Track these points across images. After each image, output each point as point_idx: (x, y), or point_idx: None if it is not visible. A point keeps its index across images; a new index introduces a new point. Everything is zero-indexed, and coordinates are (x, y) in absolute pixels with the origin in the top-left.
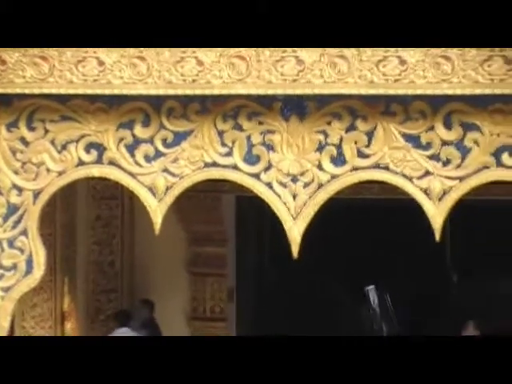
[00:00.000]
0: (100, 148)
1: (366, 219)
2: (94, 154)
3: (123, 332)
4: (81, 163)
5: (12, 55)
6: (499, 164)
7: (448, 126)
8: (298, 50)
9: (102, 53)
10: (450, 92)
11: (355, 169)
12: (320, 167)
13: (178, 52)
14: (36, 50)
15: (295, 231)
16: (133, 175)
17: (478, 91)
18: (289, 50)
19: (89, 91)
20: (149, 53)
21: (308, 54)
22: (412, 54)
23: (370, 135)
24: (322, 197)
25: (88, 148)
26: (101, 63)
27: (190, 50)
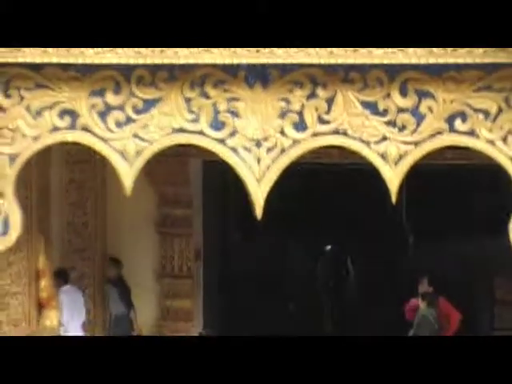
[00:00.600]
0: (73, 114)
1: (326, 183)
2: (68, 120)
3: (67, 289)
4: (55, 129)
5: None
6: (452, 130)
7: (404, 93)
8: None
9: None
10: (405, 61)
11: (316, 134)
12: (282, 133)
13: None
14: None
15: (259, 194)
16: (105, 140)
17: (431, 60)
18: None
19: (62, 60)
20: None
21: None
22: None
23: (329, 102)
24: (285, 161)
25: (62, 114)
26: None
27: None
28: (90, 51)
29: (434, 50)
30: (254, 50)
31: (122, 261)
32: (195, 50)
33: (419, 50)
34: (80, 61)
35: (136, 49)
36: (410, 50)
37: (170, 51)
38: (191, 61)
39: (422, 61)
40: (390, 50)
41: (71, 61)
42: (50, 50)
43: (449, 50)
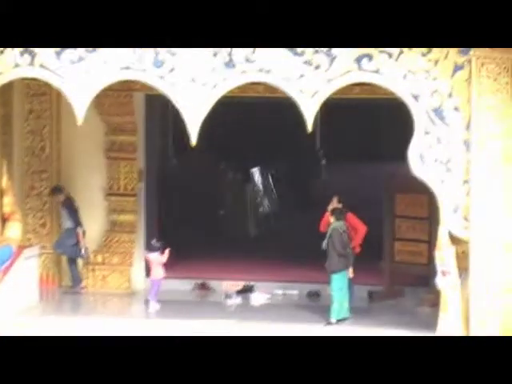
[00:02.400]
0: (32, 53)
1: (252, 113)
2: (27, 58)
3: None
4: (16, 65)
5: None
6: (360, 68)
7: None
8: None
9: None
10: None
11: (243, 72)
12: (214, 70)
13: None
14: None
15: (194, 123)
16: (60, 76)
17: None
18: None
19: None
20: None
21: None
22: None
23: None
24: (216, 95)
25: (22, 53)
26: None
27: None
28: None
29: None
30: None
31: (75, 181)
32: None
33: None
34: None
35: None
36: None
37: None
38: None
39: None
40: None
41: None
42: None
43: None
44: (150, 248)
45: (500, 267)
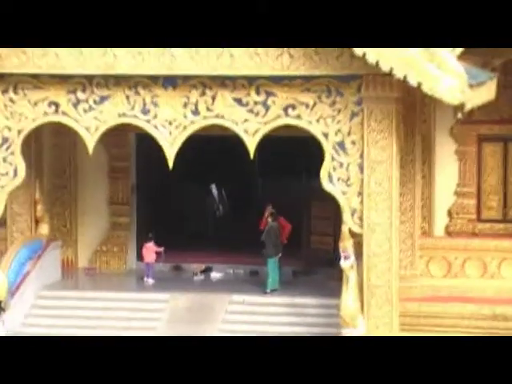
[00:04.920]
0: (57, 105)
1: (212, 146)
2: (53, 108)
3: None
4: (45, 114)
5: (3, 50)
6: (287, 115)
7: (258, 93)
8: (174, 49)
9: (58, 48)
10: (259, 73)
11: (205, 118)
12: (185, 117)
13: (100, 50)
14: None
15: (170, 154)
16: (77, 121)
17: (275, 73)
18: (168, 49)
19: (50, 71)
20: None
21: (177, 52)
22: (237, 50)
23: (213, 98)
24: (186, 134)
25: (50, 104)
26: (56, 55)
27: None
28: (67, 64)
29: (276, 66)
30: (167, 66)
31: (86, 194)
32: (133, 63)
33: (266, 67)
34: (61, 71)
35: (96, 64)
36: (263, 66)
37: (117, 66)
38: (129, 72)
39: (269, 73)
40: (250, 66)
41: (54, 72)
42: (43, 65)
43: (285, 67)
44: (146, 239)
45: (384, 253)
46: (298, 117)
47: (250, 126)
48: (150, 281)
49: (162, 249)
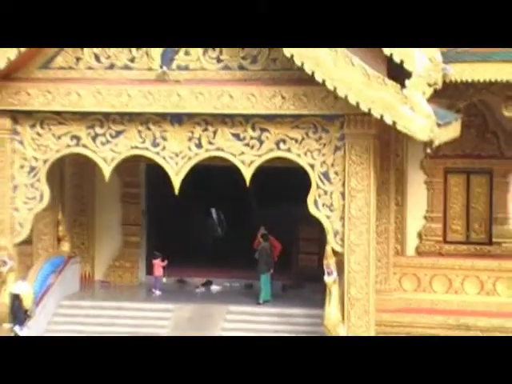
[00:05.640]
0: (78, 138)
1: (213, 174)
2: (74, 141)
3: None
4: (68, 146)
5: (31, 90)
6: (278, 148)
7: (253, 129)
8: (180, 88)
9: (79, 88)
10: (254, 112)
11: (207, 150)
12: (189, 149)
13: (116, 91)
14: (44, 87)
15: (176, 181)
16: (95, 153)
17: (268, 112)
18: (175, 89)
19: (73, 109)
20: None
21: (183, 93)
22: (236, 91)
23: (214, 133)
24: (190, 164)
25: (72, 138)
26: (78, 95)
27: (125, 88)
28: (87, 102)
29: (269, 106)
30: (174, 104)
31: (103, 216)
32: (145, 102)
33: (261, 107)
34: (81, 109)
35: (112, 103)
36: (258, 105)
37: (131, 105)
38: (141, 110)
39: (263, 112)
40: (246, 106)
41: (76, 110)
42: (65, 103)
43: (277, 106)
44: (154, 256)
45: (362, 270)
46: (288, 150)
47: (246, 158)
48: (158, 292)
49: (165, 263)
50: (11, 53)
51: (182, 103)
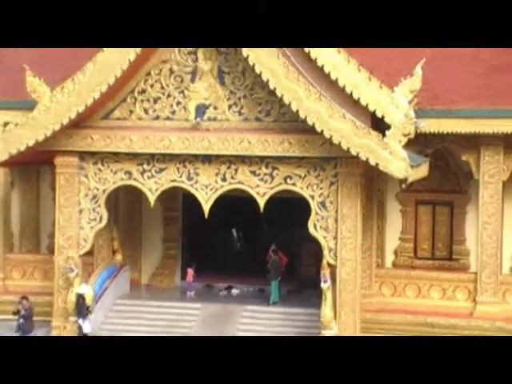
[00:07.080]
0: (130, 173)
1: (234, 202)
2: (127, 175)
3: None
4: (122, 179)
5: (95, 135)
6: (286, 183)
7: (267, 167)
8: (210, 135)
9: (132, 135)
10: (267, 154)
11: (230, 183)
12: (216, 182)
13: (160, 136)
14: (105, 133)
15: (206, 208)
16: (143, 184)
17: (278, 154)
18: (206, 136)
19: (127, 151)
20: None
21: (212, 139)
22: (253, 138)
23: (236, 170)
24: (217, 194)
25: (125, 173)
26: (131, 140)
27: (167, 134)
28: (137, 145)
29: (279, 149)
30: (205, 147)
31: (149, 235)
32: (182, 146)
33: (272, 150)
34: (133, 151)
35: (157, 146)
36: (269, 148)
37: (171, 148)
38: (179, 152)
39: (274, 154)
40: (260, 149)
41: (129, 151)
42: (121, 146)
43: (285, 150)
44: (188, 266)
45: (351, 279)
46: (294, 184)
47: (261, 190)
48: (190, 294)
49: (194, 270)
50: (80, 106)
51: (211, 147)
